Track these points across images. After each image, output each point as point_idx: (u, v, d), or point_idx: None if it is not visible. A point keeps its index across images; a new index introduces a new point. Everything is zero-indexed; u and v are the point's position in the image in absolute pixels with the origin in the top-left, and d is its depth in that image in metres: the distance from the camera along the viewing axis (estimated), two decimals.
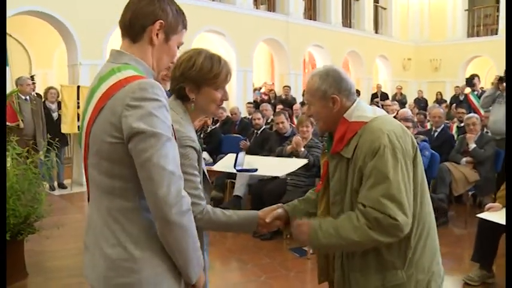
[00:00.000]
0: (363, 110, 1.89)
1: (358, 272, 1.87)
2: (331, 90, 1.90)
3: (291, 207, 2.16)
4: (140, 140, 1.39)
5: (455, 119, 8.41)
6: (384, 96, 16.15)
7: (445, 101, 15.00)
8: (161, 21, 1.56)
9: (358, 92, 15.87)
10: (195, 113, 1.93)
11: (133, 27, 1.56)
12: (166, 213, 1.42)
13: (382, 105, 11.18)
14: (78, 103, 8.40)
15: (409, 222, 1.71)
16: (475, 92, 7.99)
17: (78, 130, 8.14)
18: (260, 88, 15.11)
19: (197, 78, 1.85)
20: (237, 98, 14.06)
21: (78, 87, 8.62)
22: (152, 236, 1.49)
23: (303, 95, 13.57)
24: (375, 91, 17.37)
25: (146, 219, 1.50)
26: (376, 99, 15.39)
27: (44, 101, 8.33)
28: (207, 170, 2.01)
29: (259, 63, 17.53)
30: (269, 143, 6.72)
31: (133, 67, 1.52)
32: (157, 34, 1.57)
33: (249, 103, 11.83)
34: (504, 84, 6.00)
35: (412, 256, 1.81)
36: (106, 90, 1.47)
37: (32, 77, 9.34)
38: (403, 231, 1.70)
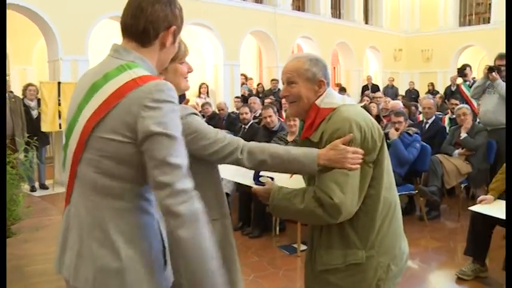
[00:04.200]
0: (332, 97, 2.02)
1: (323, 248, 2.01)
2: (320, 73, 2.03)
3: None
4: (157, 141, 1.42)
5: (448, 111, 8.43)
6: (375, 88, 16.17)
7: (438, 92, 15.01)
8: (175, 26, 1.61)
9: (343, 89, 15.82)
10: None
11: (148, 34, 1.57)
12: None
13: (373, 98, 11.16)
14: (59, 100, 8.30)
15: (347, 203, 1.84)
16: (467, 83, 8.00)
17: (60, 128, 8.13)
18: (244, 84, 15.04)
19: None
20: (224, 93, 13.99)
21: (59, 83, 8.52)
22: (144, 235, 1.53)
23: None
24: (366, 83, 17.38)
25: (141, 219, 1.54)
26: (366, 92, 15.39)
27: (23, 99, 8.20)
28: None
29: (246, 57, 17.47)
30: (257, 138, 6.69)
31: (141, 66, 1.55)
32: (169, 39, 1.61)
33: (236, 97, 11.77)
34: (494, 74, 6.00)
35: (375, 238, 1.94)
36: (119, 87, 1.47)
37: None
38: (340, 211, 1.83)
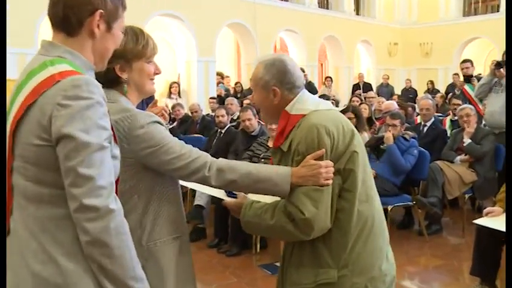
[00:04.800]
0: (304, 102, 2.11)
1: (294, 267, 2.10)
2: (273, 81, 2.12)
3: None
4: (69, 145, 1.43)
5: (450, 112, 8.47)
6: (367, 87, 16.24)
7: (438, 91, 15.13)
8: (100, 10, 1.58)
9: (331, 79, 15.91)
10: (131, 95, 2.01)
11: (69, 20, 1.57)
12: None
13: (365, 98, 11.21)
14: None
15: (320, 218, 1.92)
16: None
17: None
18: (220, 83, 15.04)
19: (126, 53, 1.93)
20: (198, 93, 13.96)
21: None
22: None
23: None
24: (357, 81, 17.47)
25: None
26: (357, 91, 15.47)
27: None
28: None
29: (222, 52, 17.45)
30: (235, 143, 6.65)
31: (68, 61, 1.55)
32: (98, 25, 1.59)
33: (211, 98, 11.74)
34: (502, 70, 6.03)
35: (349, 256, 1.99)
36: (36, 85, 1.49)
37: None
38: (312, 227, 1.91)
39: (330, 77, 16.19)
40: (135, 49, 1.95)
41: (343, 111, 6.58)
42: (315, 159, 1.92)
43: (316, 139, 1.95)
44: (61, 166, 1.45)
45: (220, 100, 11.67)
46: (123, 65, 1.94)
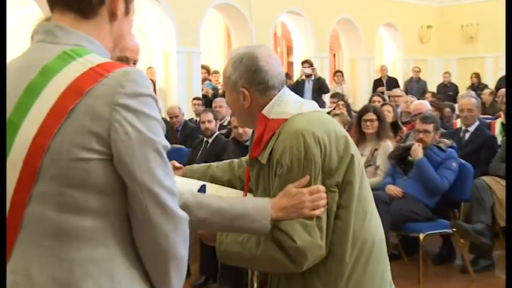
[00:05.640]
0: (285, 103, 2.18)
1: None
2: (241, 82, 2.20)
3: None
4: (142, 157, 1.46)
5: (500, 113, 8.40)
6: (392, 83, 16.17)
7: (486, 86, 14.99)
8: None
9: (342, 74, 15.89)
10: None
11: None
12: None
13: (389, 97, 11.21)
14: None
15: (314, 245, 1.99)
16: None
17: None
18: (207, 80, 15.04)
19: None
20: (178, 93, 13.93)
21: None
22: None
23: None
24: (379, 76, 17.46)
25: (133, 269, 1.53)
26: (380, 88, 15.45)
27: None
28: None
29: (209, 41, 17.47)
30: (225, 155, 6.64)
31: (90, 51, 1.55)
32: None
33: (196, 99, 11.73)
34: None
35: (346, 285, 2.06)
36: (72, 83, 1.45)
37: None
38: (306, 255, 1.98)
39: (341, 72, 16.19)
40: None
41: (362, 112, 6.55)
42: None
43: (303, 148, 2.01)
44: (133, 187, 1.47)
45: (207, 101, 11.69)
46: None
